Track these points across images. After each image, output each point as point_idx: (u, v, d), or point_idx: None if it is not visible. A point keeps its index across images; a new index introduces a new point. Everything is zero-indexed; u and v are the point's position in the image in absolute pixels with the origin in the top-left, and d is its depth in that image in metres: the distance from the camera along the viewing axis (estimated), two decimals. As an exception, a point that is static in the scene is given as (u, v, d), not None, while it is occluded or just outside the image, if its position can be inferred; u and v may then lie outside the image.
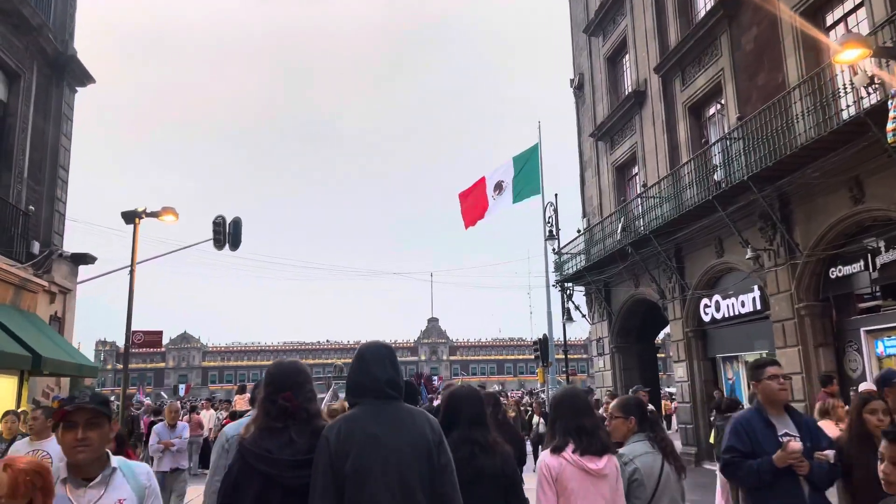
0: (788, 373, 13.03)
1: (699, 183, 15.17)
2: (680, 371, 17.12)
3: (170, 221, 13.05)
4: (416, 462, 2.73)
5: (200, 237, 17.14)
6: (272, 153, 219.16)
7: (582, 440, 3.35)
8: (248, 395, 10.37)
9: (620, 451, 3.65)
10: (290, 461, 2.78)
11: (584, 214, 23.54)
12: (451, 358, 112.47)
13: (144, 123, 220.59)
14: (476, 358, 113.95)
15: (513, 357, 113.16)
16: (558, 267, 23.02)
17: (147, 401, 29.76)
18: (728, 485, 6.52)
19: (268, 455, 2.79)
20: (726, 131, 14.78)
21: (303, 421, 2.92)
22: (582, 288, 23.39)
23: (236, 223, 18.39)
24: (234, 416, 7.98)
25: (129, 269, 12.74)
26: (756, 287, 14.37)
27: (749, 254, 13.44)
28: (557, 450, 3.37)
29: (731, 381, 15.94)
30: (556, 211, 24.91)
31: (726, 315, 15.49)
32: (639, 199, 18.03)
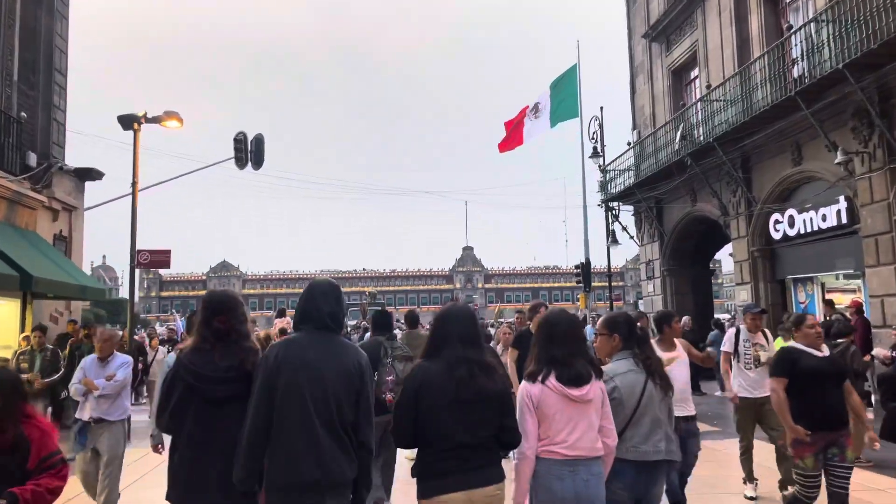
0: (882, 294, 11.33)
1: (774, 80, 13.12)
2: (743, 294, 15.43)
3: (174, 127, 11.61)
4: (338, 386, 3.02)
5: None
6: (308, 77, 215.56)
7: (556, 369, 3.24)
8: (287, 318, 10.92)
9: (603, 367, 3.53)
10: (210, 376, 3.17)
11: (635, 126, 21.46)
12: (487, 286, 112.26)
13: (176, 49, 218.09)
14: (511, 286, 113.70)
15: (548, 285, 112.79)
16: (603, 186, 21.17)
17: (161, 328, 28.84)
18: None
19: (192, 368, 3.19)
20: (812, 15, 12.57)
21: (232, 342, 3.28)
22: (630, 207, 21.59)
23: (258, 140, 17.40)
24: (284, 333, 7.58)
25: (132, 182, 11.43)
26: (842, 198, 12.45)
27: (839, 157, 11.51)
28: (533, 376, 3.27)
29: (803, 305, 14.23)
30: (601, 126, 23.09)
31: (802, 231, 13.64)
32: (700, 104, 15.98)
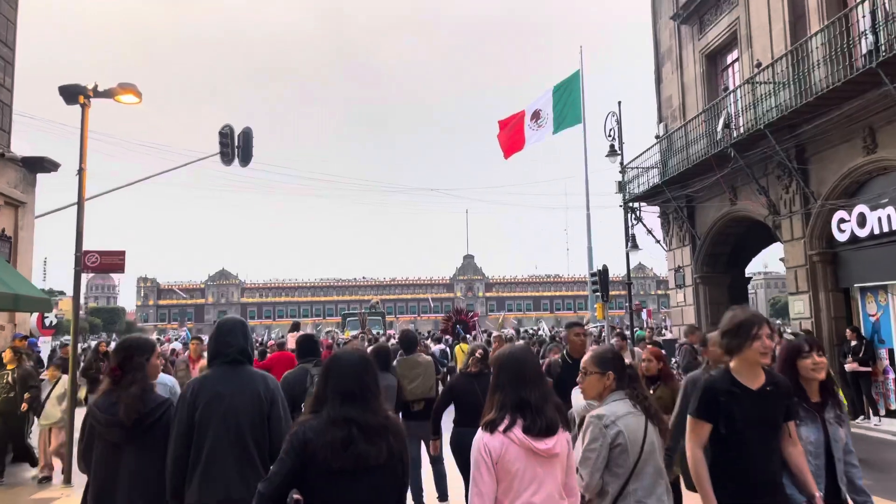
0: None
1: (836, 58, 11.19)
2: (799, 305, 13.37)
3: (130, 102, 9.63)
4: (250, 413, 3.31)
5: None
6: (307, 88, 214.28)
7: (525, 417, 2.80)
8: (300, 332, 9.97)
9: (599, 410, 3.15)
10: (107, 419, 3.38)
11: (661, 119, 19.47)
12: (488, 294, 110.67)
13: (176, 57, 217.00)
14: (512, 294, 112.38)
15: (549, 293, 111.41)
16: (622, 187, 19.16)
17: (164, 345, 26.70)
18: None
19: (95, 411, 3.45)
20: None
21: (124, 387, 3.46)
22: (655, 209, 19.59)
23: (246, 134, 15.82)
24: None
25: (78, 169, 9.44)
26: (931, 190, 10.47)
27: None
28: (492, 426, 2.79)
29: (873, 319, 12.18)
30: (619, 122, 21.00)
31: (875, 231, 11.60)
32: (742, 89, 13.98)
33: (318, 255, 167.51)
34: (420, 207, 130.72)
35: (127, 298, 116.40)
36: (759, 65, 13.54)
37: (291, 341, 15.55)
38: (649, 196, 18.48)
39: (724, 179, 14.93)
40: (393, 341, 18.15)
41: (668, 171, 16.89)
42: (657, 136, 18.31)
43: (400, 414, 6.87)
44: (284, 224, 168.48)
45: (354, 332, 25.63)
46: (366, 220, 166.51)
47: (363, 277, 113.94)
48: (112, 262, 10.22)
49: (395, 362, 6.99)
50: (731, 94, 14.58)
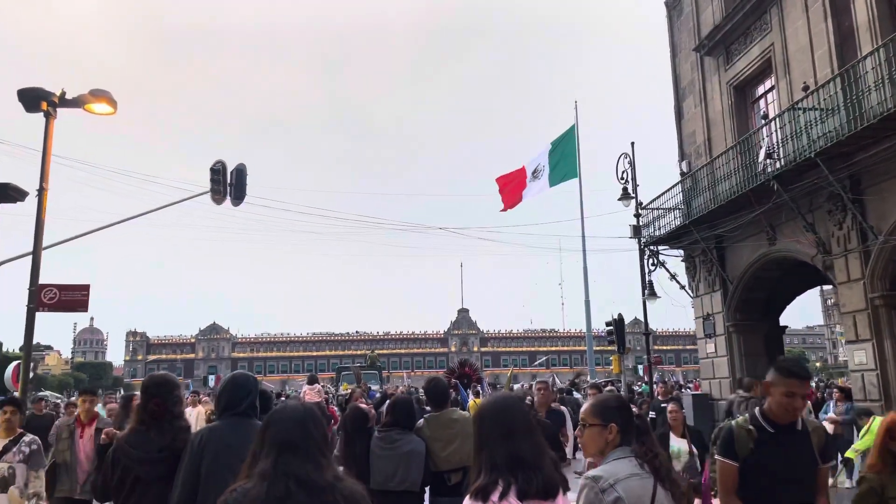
0: None
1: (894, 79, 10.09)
2: (860, 356, 11.83)
3: (103, 113, 8.24)
4: None
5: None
6: (304, 143, 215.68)
7: (518, 477, 2.40)
8: (318, 386, 9.42)
9: (596, 471, 2.63)
10: (142, 457, 3.56)
11: (683, 156, 18.30)
12: (483, 349, 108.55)
13: (175, 113, 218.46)
14: (507, 349, 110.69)
15: (545, 348, 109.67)
16: (636, 231, 17.85)
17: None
18: None
19: (128, 449, 3.61)
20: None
21: (166, 422, 3.69)
22: (677, 252, 18.25)
23: (240, 171, 15.02)
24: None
25: (38, 189, 8.04)
26: None
27: None
28: (485, 493, 2.38)
29: (952, 370, 10.67)
30: (631, 164, 19.71)
31: (953, 269, 10.22)
32: (784, 117, 12.78)
33: (310, 308, 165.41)
34: (414, 252, 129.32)
35: (116, 353, 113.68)
36: (806, 88, 12.36)
37: (311, 394, 14.30)
38: (672, 239, 17.10)
39: (763, 217, 13.60)
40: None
41: (693, 211, 15.60)
42: (681, 173, 17.09)
43: (427, 489, 5.29)
44: (277, 275, 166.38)
45: (353, 386, 23.86)
46: (358, 272, 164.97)
47: (356, 332, 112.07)
48: (73, 299, 8.62)
49: (420, 422, 5.39)
50: (771, 123, 13.36)
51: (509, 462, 2.46)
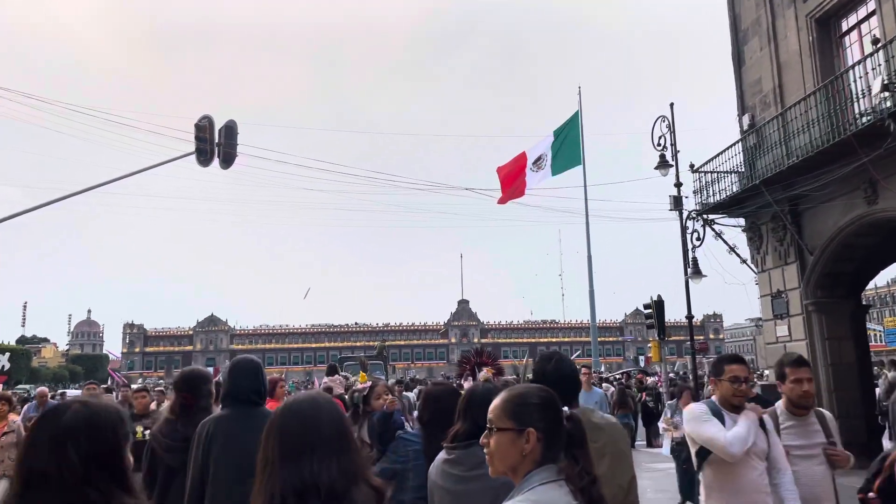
0: None
1: None
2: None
3: None
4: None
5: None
6: (299, 140, 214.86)
7: None
8: (339, 377, 9.71)
9: (517, 498, 1.90)
10: (168, 444, 3.83)
11: (744, 110, 15.92)
12: (483, 341, 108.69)
13: (168, 113, 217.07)
14: (508, 341, 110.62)
15: (545, 339, 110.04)
16: (677, 202, 16.06)
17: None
18: None
19: (160, 438, 3.90)
20: None
21: (194, 414, 3.86)
22: (737, 221, 15.95)
23: (229, 128, 13.55)
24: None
25: None
26: None
27: None
28: None
29: None
30: (670, 127, 17.16)
31: None
32: (892, 48, 10.60)
33: (310, 300, 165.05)
34: (412, 257, 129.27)
35: (113, 345, 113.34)
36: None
37: (333, 386, 13.94)
38: (733, 205, 14.82)
39: (863, 170, 11.38)
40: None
41: (758, 172, 13.46)
42: (745, 129, 15.03)
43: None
44: (275, 261, 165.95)
45: (378, 374, 23.74)
46: (359, 262, 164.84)
47: (356, 323, 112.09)
48: None
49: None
50: (882, 51, 10.86)
51: (295, 491, 1.82)
